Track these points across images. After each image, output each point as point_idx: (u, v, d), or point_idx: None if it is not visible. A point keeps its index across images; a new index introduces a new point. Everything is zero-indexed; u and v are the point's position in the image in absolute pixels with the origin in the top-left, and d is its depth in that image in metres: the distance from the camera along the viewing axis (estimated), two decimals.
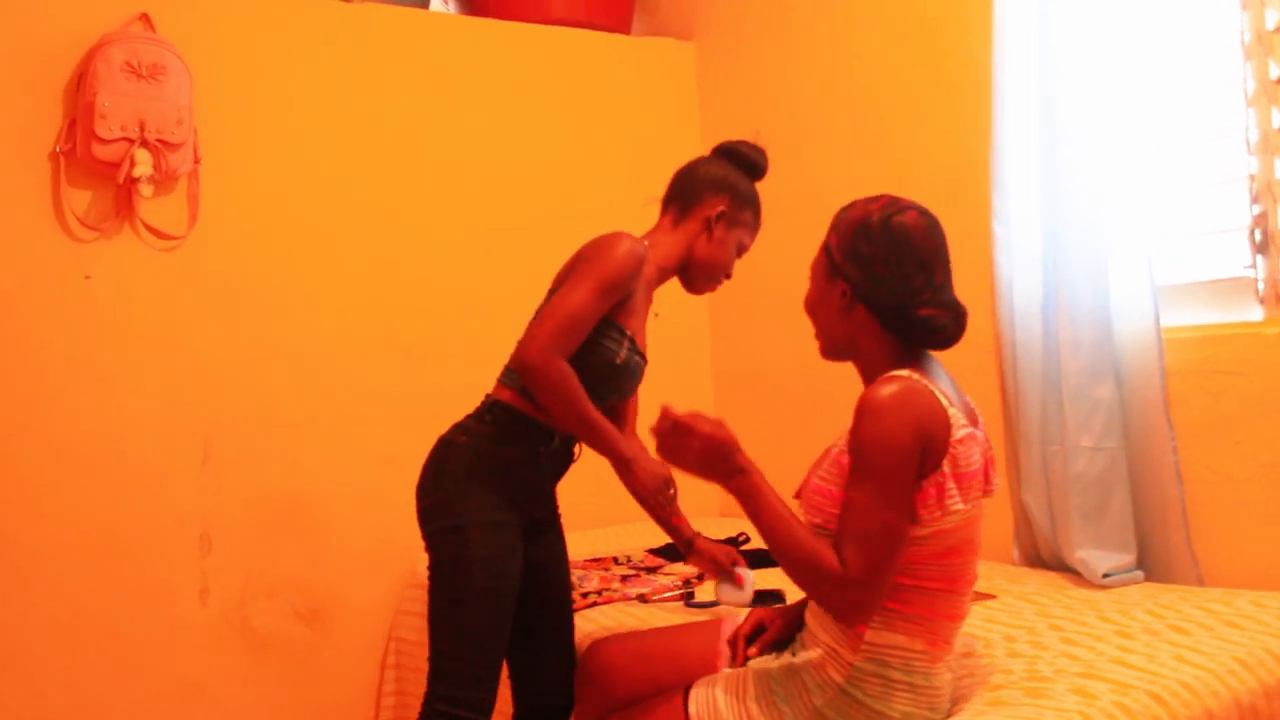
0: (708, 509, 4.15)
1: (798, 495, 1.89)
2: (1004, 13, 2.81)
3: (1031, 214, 2.80)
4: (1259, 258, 2.56)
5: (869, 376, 1.80)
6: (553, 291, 2.22)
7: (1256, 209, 2.56)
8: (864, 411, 1.67)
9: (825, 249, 1.85)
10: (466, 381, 3.48)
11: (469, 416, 2.27)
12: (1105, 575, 2.59)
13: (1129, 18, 2.65)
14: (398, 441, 3.49)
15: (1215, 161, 2.66)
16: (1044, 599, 2.54)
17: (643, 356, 2.28)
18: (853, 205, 1.85)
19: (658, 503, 2.24)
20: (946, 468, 1.68)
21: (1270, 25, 2.54)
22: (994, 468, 1.81)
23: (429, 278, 3.59)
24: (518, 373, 2.11)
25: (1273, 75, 2.54)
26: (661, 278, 2.33)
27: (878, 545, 1.64)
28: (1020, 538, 2.93)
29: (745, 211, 2.32)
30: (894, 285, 1.78)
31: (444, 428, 3.46)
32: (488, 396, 2.27)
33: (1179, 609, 2.31)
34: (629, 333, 2.20)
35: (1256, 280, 2.57)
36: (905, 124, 3.34)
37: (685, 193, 2.34)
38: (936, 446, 1.67)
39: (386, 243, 3.55)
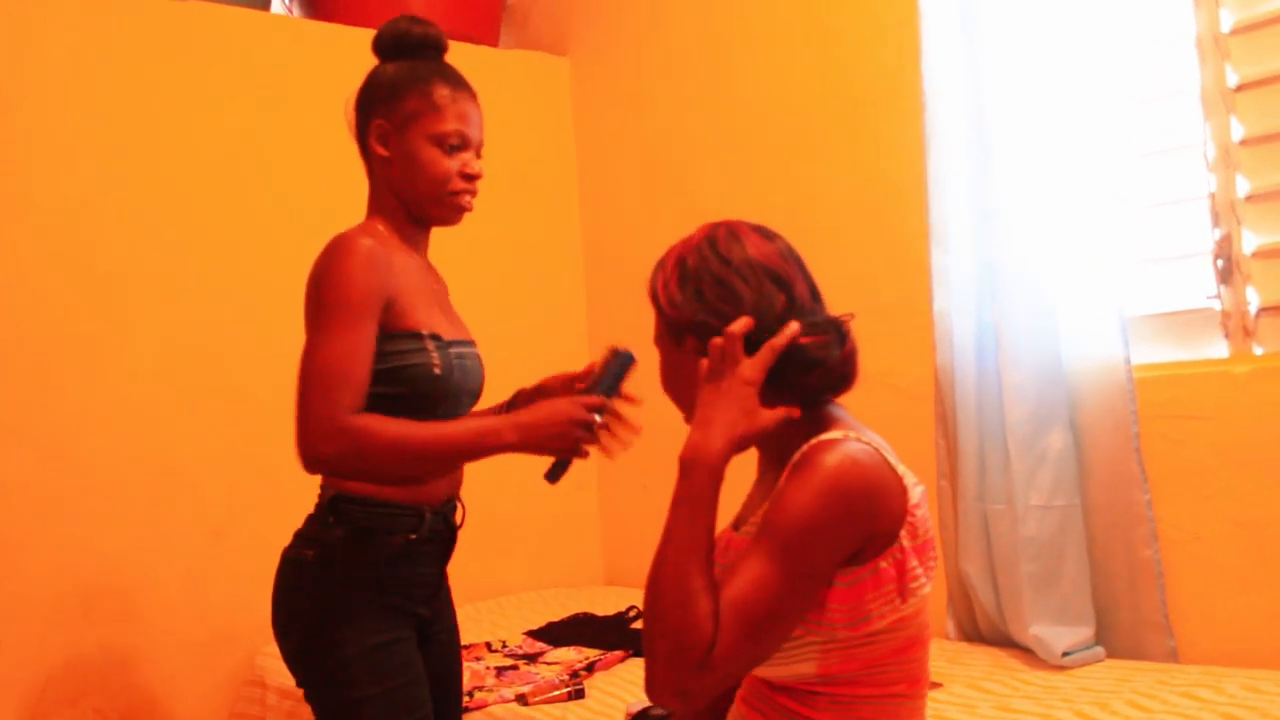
0: (592, 576, 3.71)
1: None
2: (929, 14, 2.48)
3: (963, 240, 2.46)
4: (1222, 287, 2.27)
5: (773, 451, 1.39)
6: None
7: (1218, 232, 2.27)
8: (802, 478, 1.26)
9: (658, 310, 1.43)
10: None
11: (310, 520, 1.78)
12: (1065, 654, 2.23)
13: (1072, 16, 2.34)
14: (228, 509, 3.02)
15: (1171, 179, 2.37)
16: (998, 685, 2.17)
17: (468, 344, 1.83)
18: (666, 253, 1.45)
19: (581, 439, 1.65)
20: (906, 541, 1.29)
21: (1226, 28, 2.27)
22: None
23: (265, 313, 3.07)
24: (315, 472, 1.65)
25: (1230, 83, 2.26)
26: (411, 239, 1.82)
27: (756, 630, 1.24)
28: (955, 610, 2.56)
29: (403, 101, 1.77)
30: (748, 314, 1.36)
31: (286, 491, 2.97)
32: (324, 485, 1.78)
33: (1162, 696, 1.96)
34: (425, 331, 1.72)
35: (1221, 311, 2.27)
36: (813, 141, 2.99)
37: (358, 141, 1.84)
38: (891, 518, 1.28)
39: (214, 272, 3.04)
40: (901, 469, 1.32)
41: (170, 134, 3.01)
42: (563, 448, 1.64)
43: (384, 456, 1.60)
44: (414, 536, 1.73)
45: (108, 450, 2.86)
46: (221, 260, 3.06)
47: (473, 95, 1.82)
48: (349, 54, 2.72)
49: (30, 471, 2.75)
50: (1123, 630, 2.30)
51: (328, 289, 1.64)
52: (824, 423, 1.36)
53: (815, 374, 1.35)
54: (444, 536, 1.80)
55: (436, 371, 1.70)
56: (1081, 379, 2.30)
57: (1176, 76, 2.34)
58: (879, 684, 1.32)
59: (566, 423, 1.62)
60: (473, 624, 3.09)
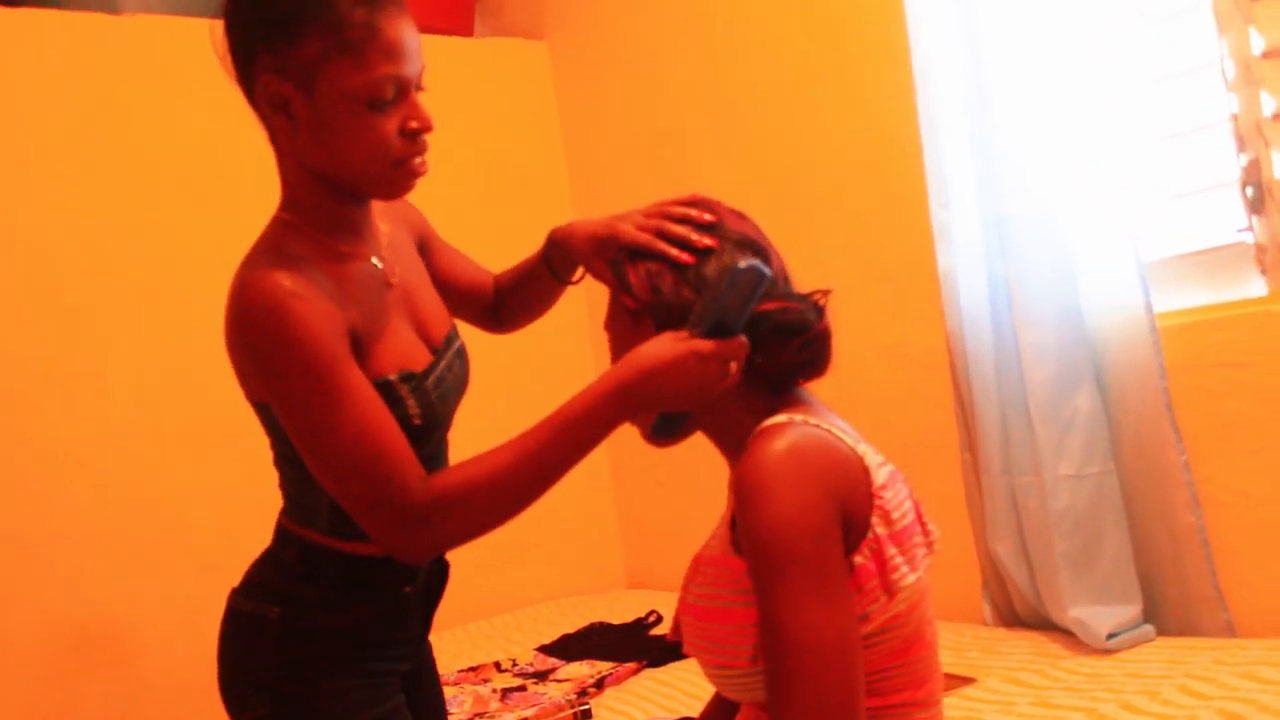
0: (613, 580, 3.54)
1: (672, 635, 1.31)
2: None
3: (965, 191, 2.26)
4: (1254, 218, 2.05)
5: (730, 442, 1.23)
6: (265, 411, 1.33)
7: (1244, 157, 2.05)
8: (748, 489, 1.10)
9: (613, 288, 1.30)
10: None
11: (270, 567, 1.39)
12: (1110, 636, 2.03)
13: None
14: (219, 542, 2.85)
15: (1187, 103, 2.15)
16: (1037, 677, 1.97)
17: (443, 348, 1.42)
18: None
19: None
20: (879, 528, 1.12)
21: None
22: (923, 510, 1.24)
23: None
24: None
25: None
26: (341, 225, 1.35)
27: (833, 669, 1.06)
28: (990, 594, 2.36)
29: (299, 43, 1.22)
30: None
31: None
32: (286, 530, 1.39)
33: (1222, 681, 1.75)
34: (394, 375, 1.31)
35: (1254, 245, 2.05)
36: (803, 105, 2.78)
37: (242, 89, 1.32)
38: (857, 504, 1.12)
39: (191, 294, 2.89)
40: (862, 448, 1.15)
41: (140, 153, 2.89)
42: (688, 398, 1.16)
43: (491, 509, 1.22)
44: (409, 589, 1.41)
45: (88, 488, 2.74)
46: (198, 282, 2.91)
47: (399, 3, 1.26)
48: None
49: (10, 519, 2.63)
50: (1171, 606, 2.09)
51: (281, 357, 1.22)
52: (781, 407, 1.19)
53: (791, 346, 1.19)
54: (436, 581, 1.48)
55: (417, 423, 1.32)
56: (1104, 332, 2.10)
57: None
58: (881, 693, 1.15)
59: (695, 368, 1.15)
60: (485, 641, 2.93)
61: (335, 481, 1.23)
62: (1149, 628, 2.07)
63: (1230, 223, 2.08)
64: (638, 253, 1.27)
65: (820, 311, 1.22)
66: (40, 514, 2.67)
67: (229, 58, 1.30)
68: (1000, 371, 2.22)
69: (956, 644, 2.25)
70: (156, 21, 2.95)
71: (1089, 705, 1.77)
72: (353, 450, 1.20)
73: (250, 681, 1.36)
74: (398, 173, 1.29)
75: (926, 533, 1.22)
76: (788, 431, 1.13)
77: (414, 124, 1.27)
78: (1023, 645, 2.18)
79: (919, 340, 2.47)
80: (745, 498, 1.10)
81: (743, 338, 1.16)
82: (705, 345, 1.15)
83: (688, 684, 2.25)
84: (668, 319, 1.21)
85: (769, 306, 1.18)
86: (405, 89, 1.26)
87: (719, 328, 1.14)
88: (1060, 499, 2.09)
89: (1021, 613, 2.30)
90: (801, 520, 1.07)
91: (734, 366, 1.17)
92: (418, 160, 1.30)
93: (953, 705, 1.89)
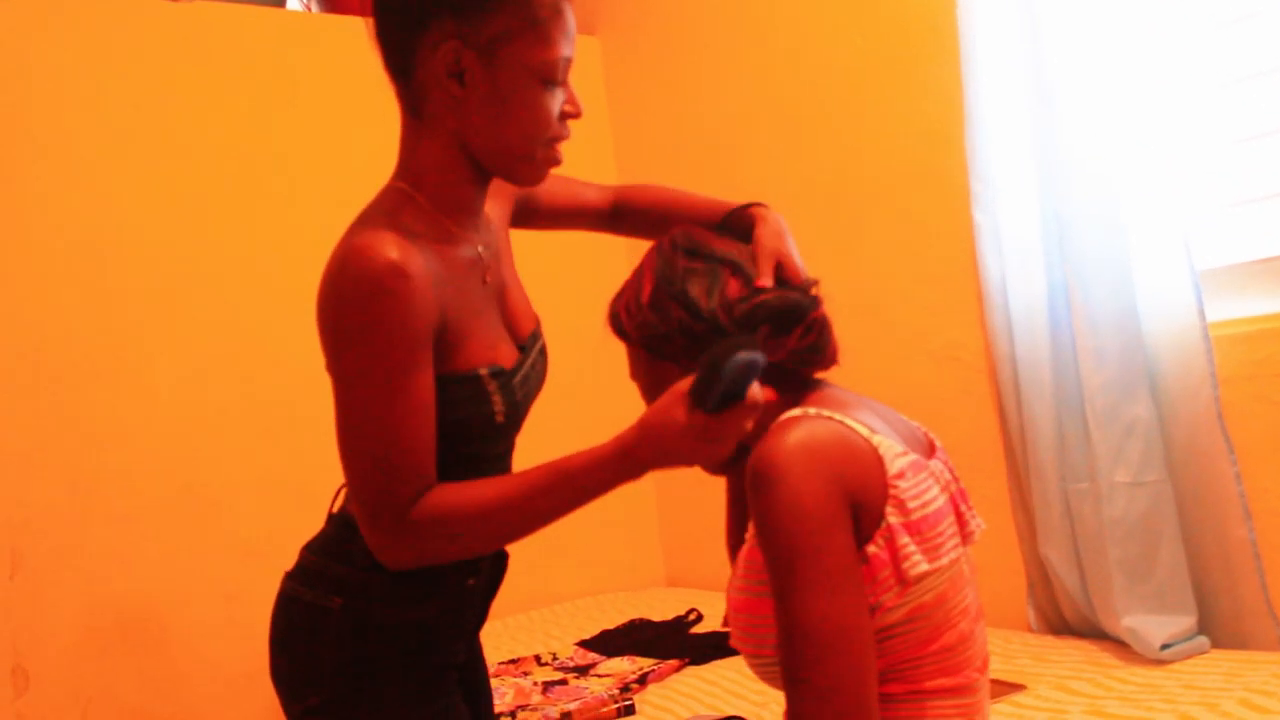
0: (652, 578, 3.53)
1: (725, 625, 1.33)
2: None
3: (1026, 195, 2.23)
4: None
5: (753, 436, 1.25)
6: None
7: None
8: (756, 480, 1.12)
9: (626, 338, 1.34)
10: None
11: (332, 557, 1.37)
12: (1164, 647, 2.00)
13: None
14: (263, 527, 2.88)
15: (1253, 110, 2.11)
16: (1089, 685, 1.94)
17: (529, 344, 1.42)
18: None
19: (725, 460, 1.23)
20: (893, 518, 1.14)
21: None
22: (967, 502, 1.27)
23: (291, 322, 2.92)
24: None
25: None
26: (462, 206, 1.34)
27: (840, 658, 1.08)
28: (1036, 599, 2.34)
29: (494, 14, 1.24)
30: (707, 292, 1.26)
31: (323, 507, 2.85)
32: (351, 519, 1.34)
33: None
34: (484, 370, 1.30)
35: None
36: (855, 100, 2.76)
37: (397, 68, 1.31)
38: (870, 494, 1.14)
39: (235, 282, 2.92)
40: (878, 439, 1.16)
41: (187, 142, 2.89)
42: (690, 465, 1.21)
43: (471, 538, 1.26)
44: (473, 581, 1.41)
45: (134, 474, 2.75)
46: (243, 270, 2.94)
47: None
48: (369, 48, 2.57)
49: (57, 500, 2.65)
50: (1225, 618, 2.06)
51: (359, 333, 1.20)
52: (800, 401, 1.23)
53: (794, 335, 1.24)
54: (497, 571, 1.47)
55: (499, 420, 1.33)
56: (1158, 339, 2.06)
57: None
58: (910, 680, 1.17)
59: (701, 445, 1.17)
60: (525, 634, 2.93)
61: (352, 465, 1.24)
62: (1204, 639, 2.04)
63: None
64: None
65: (814, 298, 1.27)
66: (85, 497, 2.68)
67: (395, 32, 1.30)
68: (1057, 375, 2.19)
69: (1005, 650, 2.22)
70: (215, 9, 2.97)
71: (1145, 715, 1.74)
72: (386, 446, 1.21)
73: (307, 672, 1.36)
74: (544, 154, 1.32)
75: (963, 523, 1.23)
76: (799, 425, 1.15)
77: (569, 108, 1.32)
78: (1073, 653, 2.15)
79: (971, 343, 2.45)
80: (755, 491, 1.12)
81: (754, 393, 1.15)
82: (714, 425, 1.16)
83: (730, 682, 2.24)
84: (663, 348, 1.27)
85: (767, 297, 1.23)
86: (566, 74, 1.31)
87: (724, 402, 1.14)
88: (1116, 506, 2.06)
89: (1071, 620, 2.27)
90: (808, 512, 1.10)
91: (748, 425, 1.18)
92: (560, 149, 1.34)
93: (1004, 712, 1.87)
